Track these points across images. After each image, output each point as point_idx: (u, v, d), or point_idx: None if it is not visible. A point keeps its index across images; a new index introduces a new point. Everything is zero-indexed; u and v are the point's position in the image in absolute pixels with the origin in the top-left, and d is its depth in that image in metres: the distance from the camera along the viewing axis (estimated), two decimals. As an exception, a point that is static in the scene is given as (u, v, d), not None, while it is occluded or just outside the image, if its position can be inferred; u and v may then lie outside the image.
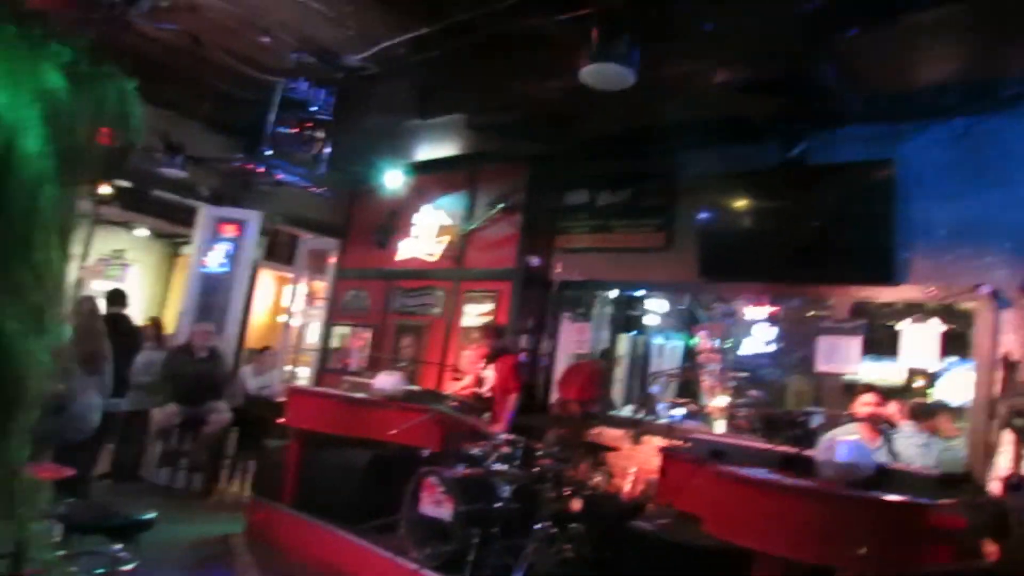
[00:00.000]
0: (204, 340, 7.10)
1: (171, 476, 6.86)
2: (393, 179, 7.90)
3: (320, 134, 5.69)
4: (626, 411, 6.60)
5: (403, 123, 6.32)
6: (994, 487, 4.39)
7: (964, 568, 3.59)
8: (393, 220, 8.27)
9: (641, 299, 7.00)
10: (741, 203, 5.77)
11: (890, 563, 3.13)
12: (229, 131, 7.52)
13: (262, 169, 5.66)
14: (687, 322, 9.35)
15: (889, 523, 3.11)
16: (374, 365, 7.61)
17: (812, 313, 6.56)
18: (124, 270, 11.94)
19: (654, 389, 7.81)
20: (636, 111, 5.63)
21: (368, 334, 8.35)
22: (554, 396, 6.93)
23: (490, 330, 6.28)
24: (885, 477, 3.50)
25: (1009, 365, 4.48)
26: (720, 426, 6.93)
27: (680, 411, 6.81)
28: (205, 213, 7.88)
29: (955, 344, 5.82)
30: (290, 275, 9.87)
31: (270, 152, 5.52)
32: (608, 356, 7.51)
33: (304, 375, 9.52)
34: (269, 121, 5.50)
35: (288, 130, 5.54)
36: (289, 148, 5.65)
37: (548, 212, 7.17)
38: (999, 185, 4.83)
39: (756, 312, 8.62)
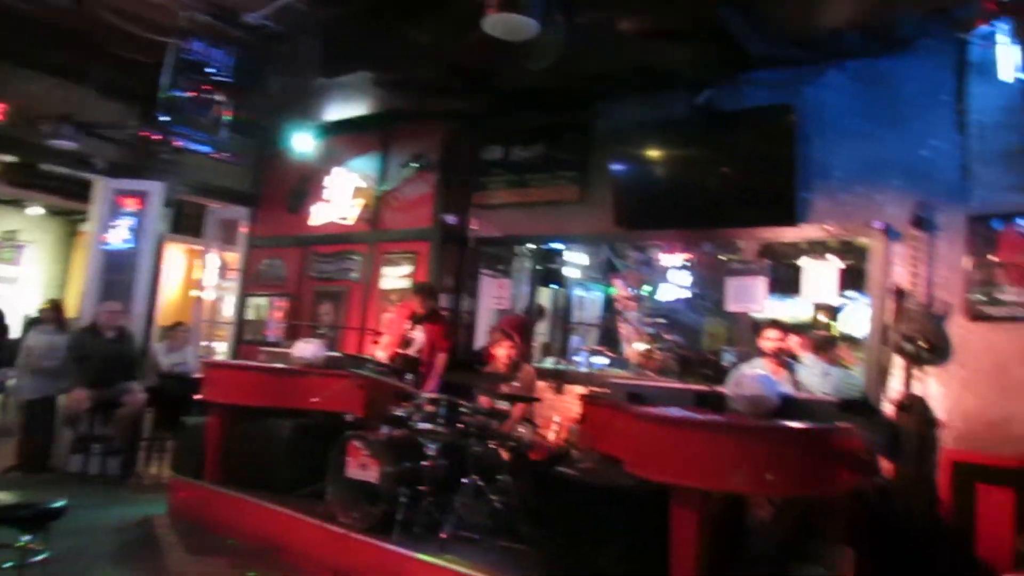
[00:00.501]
0: (111, 320, 6.80)
1: (85, 462, 6.61)
2: (303, 142, 7.65)
3: (220, 97, 5.43)
4: (549, 362, 6.71)
5: (309, 83, 6.10)
6: (888, 409, 4.71)
7: (865, 484, 3.86)
8: (305, 184, 8.04)
9: (560, 252, 7.07)
10: (653, 153, 5.87)
11: (798, 485, 3.32)
12: (125, 97, 7.08)
13: (159, 136, 5.36)
14: (606, 273, 9.54)
15: (795, 448, 3.29)
16: (293, 334, 7.47)
17: (724, 257, 6.77)
18: (18, 252, 11.24)
19: (575, 339, 7.97)
20: (549, 63, 5.59)
21: (286, 303, 8.16)
22: (481, 351, 6.99)
23: (425, 291, 6.20)
24: (790, 406, 3.70)
25: (900, 295, 4.76)
26: (640, 371, 7.14)
27: (601, 359, 6.98)
28: (103, 186, 7.47)
29: (853, 279, 6.15)
30: (200, 247, 9.50)
31: (167, 118, 5.22)
32: (537, 310, 7.59)
33: (222, 349, 9.26)
34: (163, 85, 5.20)
35: (185, 94, 5.26)
36: (188, 113, 5.36)
37: (464, 169, 7.11)
38: (891, 125, 5.06)
39: (671, 259, 8.86)
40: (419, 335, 6.05)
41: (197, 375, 7.04)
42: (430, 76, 5.48)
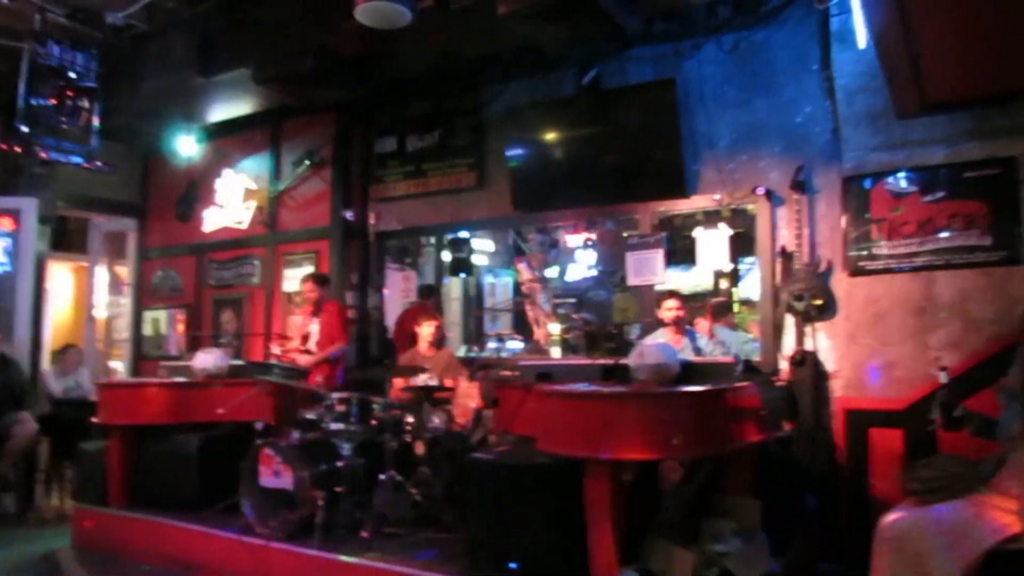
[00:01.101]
0: (-10, 348, 6.36)
1: (-24, 502, 6.19)
2: (188, 146, 7.35)
3: (85, 103, 5.13)
4: (462, 350, 6.72)
5: (186, 83, 5.84)
6: (783, 366, 4.96)
7: (767, 440, 4.05)
8: (194, 190, 7.73)
9: (466, 240, 7.07)
10: (546, 133, 5.93)
11: (705, 445, 3.45)
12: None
13: (22, 149, 5.00)
14: (513, 256, 9.63)
15: (698, 410, 3.41)
16: (194, 345, 7.19)
17: (625, 233, 6.92)
18: None
19: (487, 326, 8.01)
20: (433, 49, 5.56)
21: (184, 314, 7.85)
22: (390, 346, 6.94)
23: (313, 280, 6.11)
24: (691, 371, 3.83)
25: (786, 256, 5.00)
26: (553, 351, 7.25)
27: (514, 343, 7.05)
28: (-31, 207, 6.96)
29: (744, 245, 6.42)
30: (87, 263, 8.99)
31: (28, 128, 4.88)
32: (431, 292, 7.56)
33: (120, 368, 8.81)
34: (21, 93, 4.86)
35: (47, 101, 4.93)
36: (51, 121, 5.03)
37: (359, 163, 7.00)
38: (767, 94, 5.29)
39: (574, 239, 9.02)
40: (316, 328, 5.97)
41: (93, 398, 6.70)
42: (310, 68, 5.33)
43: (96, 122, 5.28)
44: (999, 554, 2.54)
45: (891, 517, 2.79)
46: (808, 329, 4.94)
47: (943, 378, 2.98)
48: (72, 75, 4.92)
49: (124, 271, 8.79)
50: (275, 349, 6.00)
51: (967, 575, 2.55)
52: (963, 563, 2.56)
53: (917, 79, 3.90)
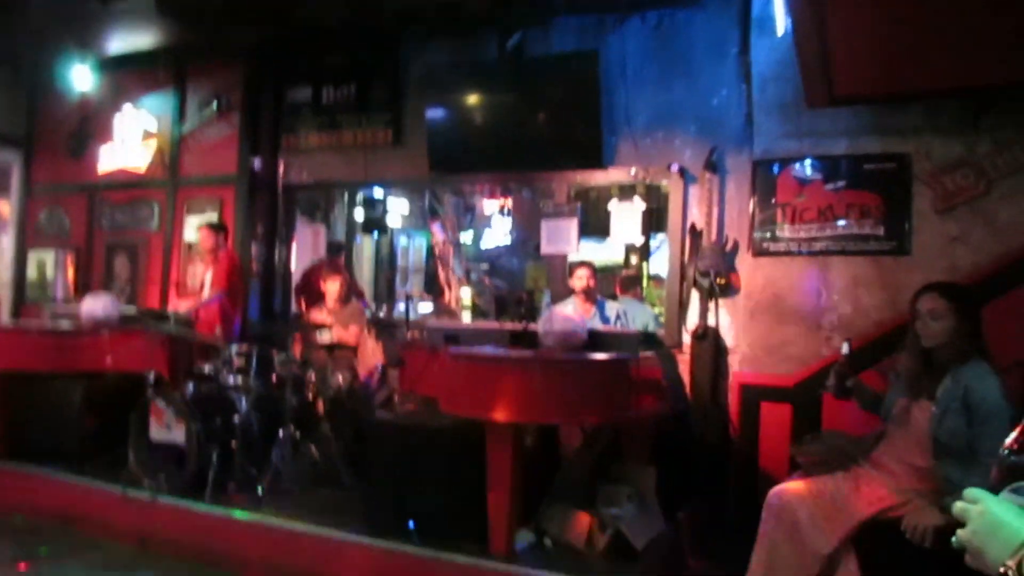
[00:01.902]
0: None
1: None
2: (82, 77, 6.82)
3: (-37, 19, 4.68)
4: (371, 310, 6.61)
5: (81, 7, 5.39)
6: (686, 340, 5.11)
7: (665, 409, 4.18)
8: (88, 125, 7.21)
9: (382, 199, 6.91)
10: (466, 96, 5.83)
11: (606, 412, 3.53)
12: None
13: None
14: (427, 219, 9.51)
15: (600, 378, 3.48)
16: (83, 291, 6.77)
17: (540, 203, 6.95)
18: None
19: (397, 286, 7.92)
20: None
21: (73, 258, 7.37)
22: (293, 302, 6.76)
23: (208, 227, 5.92)
24: (597, 340, 3.90)
25: (695, 234, 5.13)
26: (463, 315, 7.24)
27: (424, 305, 6.99)
28: None
29: (657, 220, 6.56)
30: (-36, 197, 8.29)
31: None
32: (339, 249, 7.41)
33: (-1, 312, 8.22)
34: None
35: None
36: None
37: (270, 111, 6.67)
38: (686, 74, 5.35)
39: (490, 205, 9.00)
40: (210, 276, 5.80)
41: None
42: (220, 4, 5.02)
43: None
44: (873, 524, 2.71)
45: (776, 488, 2.93)
46: (711, 305, 5.10)
47: (845, 348, 3.15)
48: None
49: (5, 207, 8.15)
50: (181, 306, 5.75)
51: (842, 545, 2.71)
52: (837, 534, 2.72)
53: (827, 72, 4.03)
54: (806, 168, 4.93)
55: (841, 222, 4.81)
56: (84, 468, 4.67)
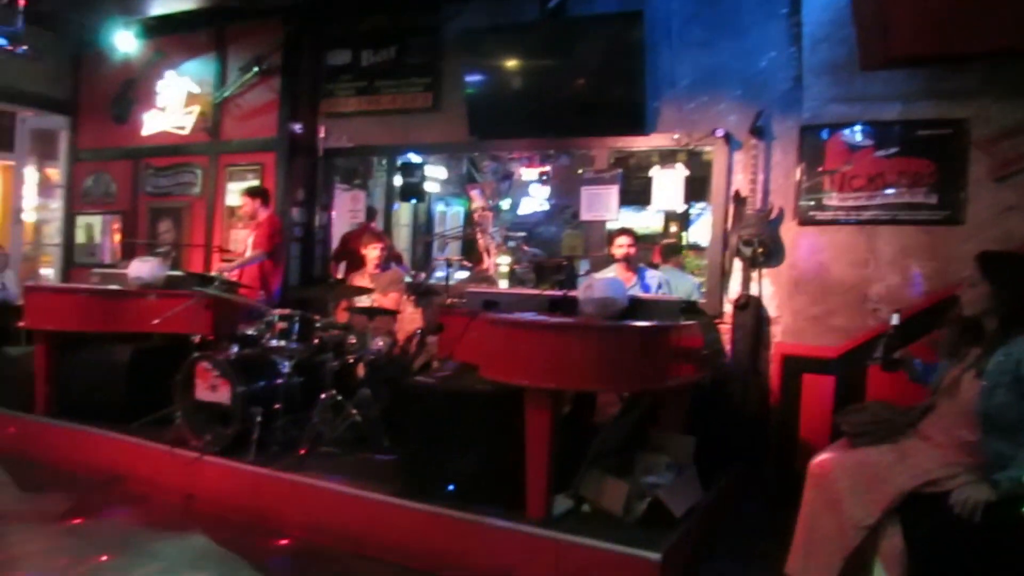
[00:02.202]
0: (-94, 244, 5.99)
1: None
2: (125, 41, 6.88)
3: (9, -21, 4.72)
4: (408, 277, 6.62)
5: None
6: (727, 309, 5.04)
7: (703, 379, 4.13)
8: (131, 90, 7.30)
9: (419, 166, 6.88)
10: (506, 60, 5.75)
11: (645, 380, 3.49)
12: None
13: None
14: (466, 186, 9.48)
15: (640, 346, 3.44)
16: (129, 254, 6.91)
17: (580, 170, 6.86)
18: None
19: (435, 252, 7.92)
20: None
21: (118, 221, 7.51)
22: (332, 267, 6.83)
23: (247, 193, 5.99)
24: (637, 308, 3.85)
25: (739, 201, 5.02)
26: (501, 283, 7.23)
27: (462, 272, 6.97)
28: None
29: (697, 190, 6.44)
30: (14, 163, 8.47)
31: (-57, 5, 4.46)
32: (372, 214, 7.44)
33: (50, 275, 8.45)
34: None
35: (-35, -23, 4.51)
36: (-31, -2, 4.61)
37: (309, 75, 6.68)
38: (732, 36, 5.21)
39: (529, 173, 8.92)
40: (251, 240, 5.88)
41: (19, 302, 6.42)
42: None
43: (20, 2, 4.85)
44: (919, 497, 2.66)
45: (819, 458, 2.88)
46: (754, 275, 5.01)
47: (895, 319, 3.08)
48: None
49: (54, 173, 8.33)
50: (224, 268, 5.86)
51: (885, 517, 2.66)
52: (879, 506, 2.67)
53: (883, 31, 3.88)
54: (856, 134, 4.78)
55: (891, 190, 4.66)
56: (131, 427, 4.80)
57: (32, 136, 8.18)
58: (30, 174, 8.36)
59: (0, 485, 4.69)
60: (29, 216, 8.46)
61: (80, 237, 7.85)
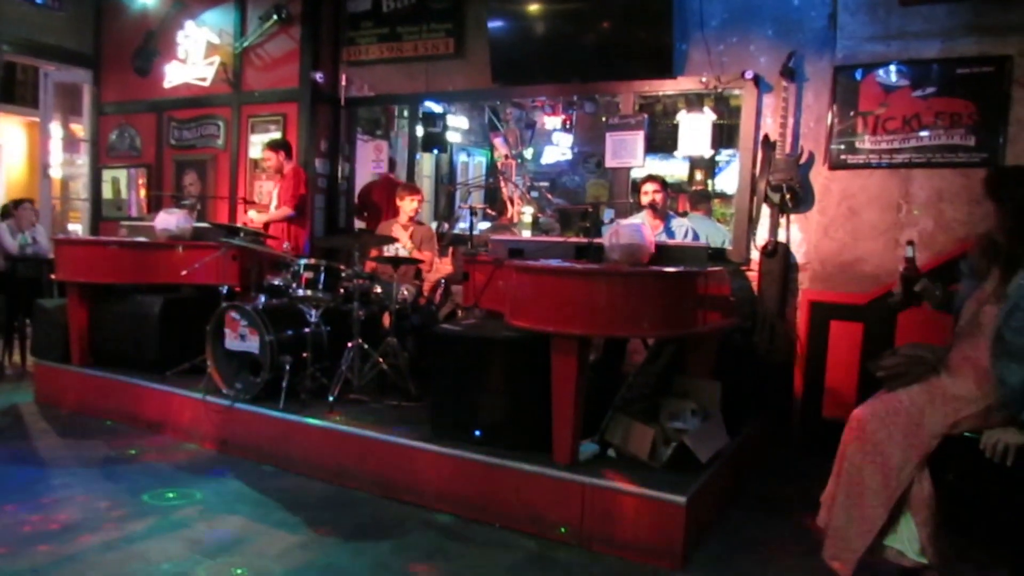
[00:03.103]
0: (-63, 198, 6.07)
1: (-68, 355, 6.09)
2: (144, -9, 6.83)
3: (28, -73, 4.66)
4: (433, 225, 6.61)
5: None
6: (755, 255, 4.97)
7: (730, 325, 4.10)
8: (153, 42, 7.25)
9: (441, 115, 6.81)
10: (528, 4, 5.60)
11: (672, 326, 3.47)
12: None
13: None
14: (487, 135, 9.39)
15: (667, 291, 3.41)
16: (156, 207, 6.97)
17: (604, 118, 6.75)
18: None
19: (458, 202, 7.88)
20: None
21: (144, 175, 7.55)
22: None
23: (269, 147, 5.98)
24: (664, 254, 3.81)
25: (768, 146, 4.90)
26: (524, 233, 7.20)
27: (485, 221, 6.95)
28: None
29: (724, 138, 6.31)
30: (39, 119, 8.51)
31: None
32: (392, 165, 7.40)
33: (78, 230, 8.55)
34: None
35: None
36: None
37: (330, 22, 6.57)
38: (764, -28, 5.02)
39: (552, 121, 8.79)
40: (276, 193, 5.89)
41: (50, 255, 6.53)
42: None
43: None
44: (947, 439, 2.62)
45: (857, 410, 2.82)
46: (782, 221, 4.93)
47: (909, 251, 2.97)
48: None
49: (79, 128, 8.36)
50: (253, 216, 5.89)
51: (924, 461, 2.63)
52: (916, 451, 2.63)
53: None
54: (892, 74, 4.64)
55: (927, 132, 4.54)
56: (164, 377, 4.90)
57: (56, 90, 8.19)
58: (55, 129, 8.41)
59: (40, 433, 4.83)
60: (56, 172, 8.53)
61: (107, 192, 7.91)
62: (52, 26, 7.05)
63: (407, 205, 5.51)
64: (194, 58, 7.02)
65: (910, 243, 3.03)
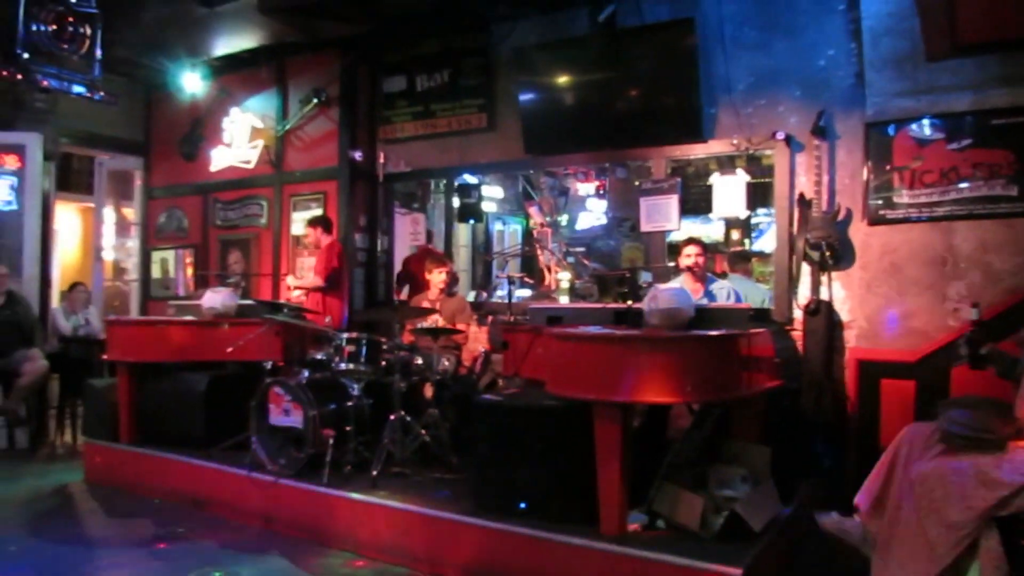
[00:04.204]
0: (-4, 286, 6.33)
1: (-11, 436, 6.24)
2: (192, 81, 7.18)
3: (85, 29, 4.95)
4: (470, 296, 6.67)
5: (188, 13, 5.66)
6: (797, 315, 4.90)
7: (776, 387, 4.02)
8: (199, 128, 7.60)
9: (475, 186, 6.95)
10: (558, 75, 5.76)
11: (716, 390, 3.41)
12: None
13: (21, 76, 4.84)
14: (522, 204, 9.52)
15: (710, 355, 3.37)
16: (201, 285, 7.16)
17: (637, 182, 6.83)
18: None
19: (495, 271, 7.95)
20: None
21: (191, 255, 7.81)
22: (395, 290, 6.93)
23: (310, 223, 6.20)
24: (705, 317, 3.78)
25: (804, 204, 4.89)
26: (562, 299, 7.20)
27: (523, 290, 6.99)
28: (-28, 142, 6.84)
29: (760, 193, 6.31)
30: (93, 205, 8.91)
31: (26, 55, 4.72)
32: (429, 237, 7.53)
33: (128, 308, 8.81)
34: (20, 18, 4.69)
35: (45, 27, 4.76)
36: (50, 48, 4.85)
37: (366, 102, 6.84)
38: (788, 35, 5.10)
39: (585, 187, 8.90)
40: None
41: (101, 336, 6.73)
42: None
43: (97, 51, 5.10)
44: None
45: (916, 469, 2.74)
46: (823, 278, 4.87)
47: (974, 315, 2.92)
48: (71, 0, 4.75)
49: (130, 212, 8.72)
50: (290, 281, 6.13)
51: (983, 522, 2.53)
52: (973, 513, 2.54)
53: (950, 18, 3.76)
54: (925, 128, 4.62)
55: (966, 183, 4.49)
56: (210, 453, 4.94)
57: (109, 177, 8.59)
58: (108, 214, 8.78)
59: (89, 512, 4.89)
60: (108, 254, 8.87)
61: (156, 272, 8.17)
62: (107, 118, 7.44)
63: (435, 278, 5.61)
64: (239, 142, 7.33)
65: (975, 305, 2.99)
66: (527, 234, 9.68)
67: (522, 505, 3.64)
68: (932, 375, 4.41)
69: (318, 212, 6.72)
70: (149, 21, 5.68)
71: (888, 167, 4.71)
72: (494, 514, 3.67)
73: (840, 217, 4.82)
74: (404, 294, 6.90)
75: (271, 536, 4.32)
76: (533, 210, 8.77)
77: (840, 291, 4.86)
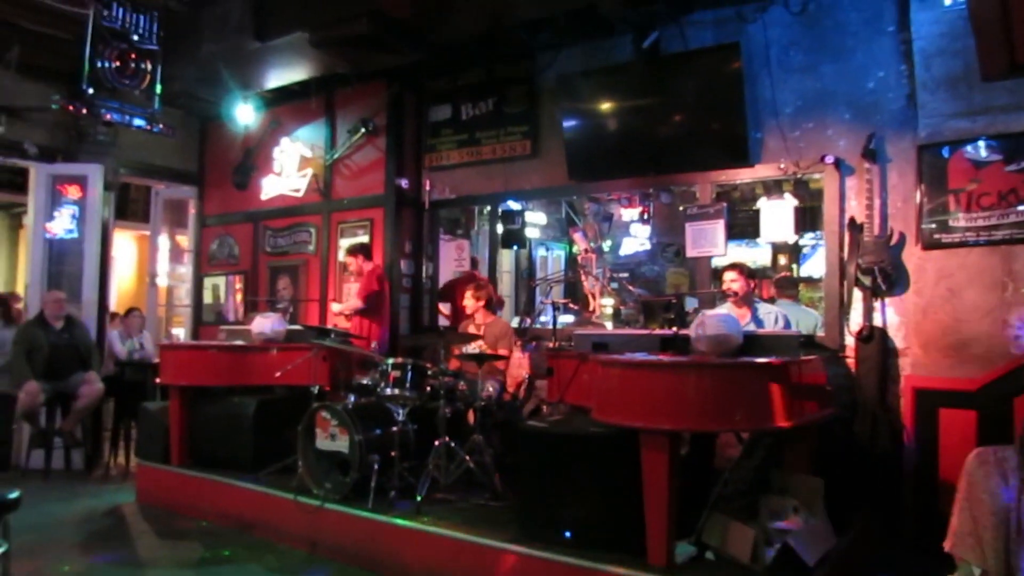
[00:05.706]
0: (57, 310, 6.55)
1: (47, 458, 6.41)
2: (244, 113, 7.41)
3: (146, 65, 5.17)
4: (514, 322, 6.68)
5: (242, 47, 5.85)
6: (849, 342, 4.77)
7: (828, 416, 3.91)
8: (251, 158, 7.81)
9: (520, 212, 6.99)
10: (601, 102, 5.78)
11: (764, 418, 3.33)
12: (47, 76, 6.67)
13: (86, 111, 5.07)
14: (565, 229, 9.53)
15: (759, 383, 3.29)
16: (251, 311, 7.31)
17: (682, 207, 6.79)
18: (-42, 249, 10.80)
19: (539, 297, 7.95)
20: (486, 11, 5.46)
21: (241, 281, 7.99)
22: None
23: (349, 251, 6.36)
24: (753, 343, 3.71)
25: (855, 228, 4.79)
26: (607, 324, 7.17)
27: (567, 316, 6.97)
28: (39, 173, 7.13)
29: (808, 217, 6.21)
30: (148, 232, 9.21)
31: (91, 90, 4.95)
32: (473, 263, 7.57)
33: (180, 334, 9.05)
34: (86, 56, 4.92)
35: (110, 64, 4.98)
36: (113, 83, 5.08)
37: (412, 131, 6.97)
38: (836, 58, 5.05)
39: (629, 213, 8.88)
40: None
41: (155, 360, 6.90)
42: (364, 30, 5.26)
43: (157, 86, 5.32)
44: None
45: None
46: (876, 304, 4.74)
47: None
48: (134, 37, 4.97)
49: (184, 239, 8.98)
50: (334, 307, 6.30)
51: None
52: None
53: (1007, 37, 3.64)
54: (981, 149, 4.50)
55: (1027, 206, 4.34)
56: (257, 476, 5.00)
57: (165, 206, 8.88)
58: (163, 241, 9.06)
59: (140, 533, 4.98)
60: (162, 280, 9.13)
61: (207, 297, 8.38)
62: (163, 149, 7.71)
63: (466, 303, 5.66)
64: (288, 171, 7.51)
65: None
66: (571, 260, 9.67)
67: (567, 534, 3.59)
68: (995, 404, 4.24)
69: (364, 239, 6.83)
70: (205, 56, 5.89)
71: (943, 190, 4.59)
72: (539, 542, 3.63)
73: (893, 241, 4.71)
74: (447, 310, 6.96)
75: (315, 561, 4.34)
76: (577, 236, 8.78)
77: (894, 317, 4.73)
